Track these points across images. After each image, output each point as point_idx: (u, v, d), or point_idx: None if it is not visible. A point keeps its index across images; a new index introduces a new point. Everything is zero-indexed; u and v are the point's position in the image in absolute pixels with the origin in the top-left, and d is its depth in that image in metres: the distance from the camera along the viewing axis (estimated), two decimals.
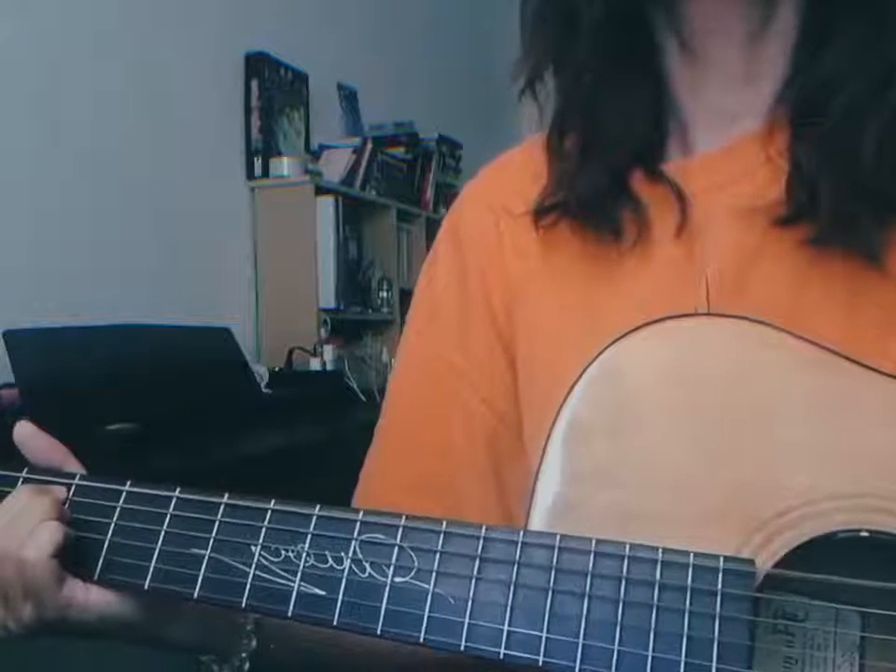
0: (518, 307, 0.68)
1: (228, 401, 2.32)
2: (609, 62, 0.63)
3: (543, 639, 0.48)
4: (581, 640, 0.47)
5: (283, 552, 0.54)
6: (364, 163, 3.40)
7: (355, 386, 3.08)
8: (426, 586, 0.50)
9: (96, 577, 0.58)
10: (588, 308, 0.63)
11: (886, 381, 0.49)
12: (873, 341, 0.55)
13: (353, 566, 0.52)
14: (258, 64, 3.11)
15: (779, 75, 0.61)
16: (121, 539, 0.58)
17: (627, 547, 0.48)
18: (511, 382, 0.68)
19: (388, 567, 0.51)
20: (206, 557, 0.55)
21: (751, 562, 0.47)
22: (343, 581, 0.52)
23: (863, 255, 0.55)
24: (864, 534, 0.47)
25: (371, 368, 3.28)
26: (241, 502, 0.56)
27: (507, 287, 0.68)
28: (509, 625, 0.48)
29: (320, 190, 3.13)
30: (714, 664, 0.45)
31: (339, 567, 0.52)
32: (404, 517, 0.52)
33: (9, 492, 0.60)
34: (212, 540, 0.56)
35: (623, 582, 0.47)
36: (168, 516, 0.57)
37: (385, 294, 3.50)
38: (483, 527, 0.51)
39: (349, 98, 3.66)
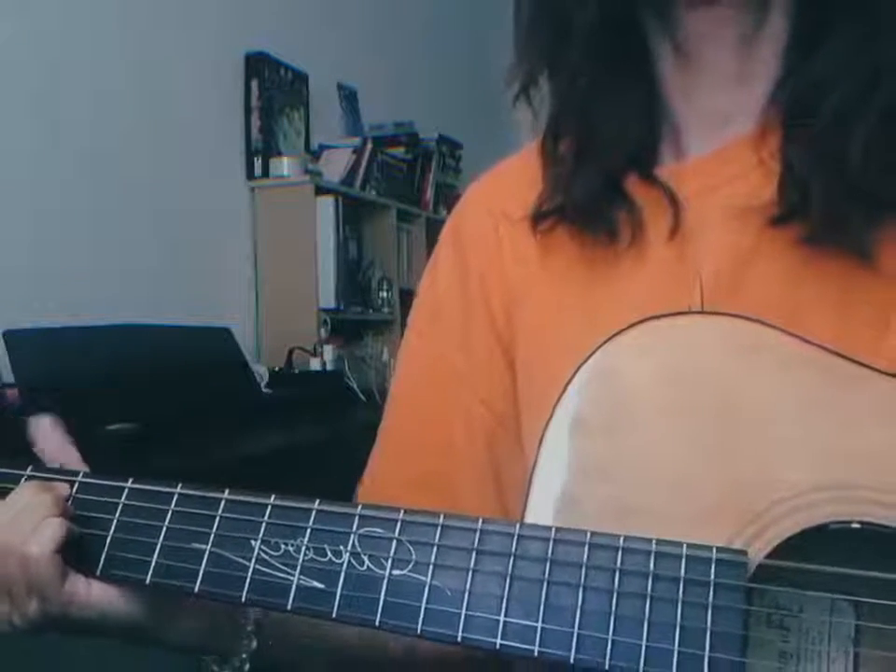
0: (517, 310, 0.69)
1: (228, 401, 2.32)
2: (602, 66, 0.64)
3: (539, 630, 0.48)
4: (575, 630, 0.48)
5: (282, 546, 0.54)
6: (364, 163, 3.40)
7: (355, 386, 3.08)
8: (423, 579, 0.51)
9: (98, 572, 0.59)
10: (585, 310, 0.64)
11: (879, 378, 0.50)
12: (866, 339, 0.55)
13: (351, 559, 0.53)
14: (258, 64, 3.11)
15: (771, 77, 0.61)
16: (123, 534, 0.59)
17: (621, 539, 0.49)
18: (510, 383, 0.68)
19: (386, 560, 0.52)
20: (207, 552, 0.56)
21: (743, 552, 0.47)
22: (342, 574, 0.53)
23: (855, 253, 0.56)
24: (856, 525, 0.47)
25: (371, 368, 3.28)
26: (241, 498, 0.57)
27: (506, 290, 0.69)
28: (505, 616, 0.49)
29: (320, 190, 3.13)
30: (707, 653, 0.46)
31: (338, 561, 0.53)
32: (402, 511, 0.53)
33: (13, 488, 0.61)
34: (212, 535, 0.56)
35: (617, 573, 0.48)
36: (170, 512, 0.58)
37: (385, 294, 3.50)
38: (480, 520, 0.51)
39: (349, 98, 3.66)
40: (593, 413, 0.53)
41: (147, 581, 0.57)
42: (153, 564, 0.57)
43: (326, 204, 3.12)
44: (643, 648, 0.46)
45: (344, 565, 0.53)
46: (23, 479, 0.62)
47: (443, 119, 4.01)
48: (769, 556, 0.48)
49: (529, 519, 0.53)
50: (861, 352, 0.51)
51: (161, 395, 2.09)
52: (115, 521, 0.59)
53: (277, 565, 0.54)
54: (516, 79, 0.66)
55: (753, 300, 0.58)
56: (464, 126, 4.12)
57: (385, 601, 0.51)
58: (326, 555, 0.53)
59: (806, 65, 0.59)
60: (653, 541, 0.48)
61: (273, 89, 3.15)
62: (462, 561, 0.51)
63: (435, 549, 0.51)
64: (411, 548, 0.52)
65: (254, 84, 3.11)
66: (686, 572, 0.47)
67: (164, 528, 0.58)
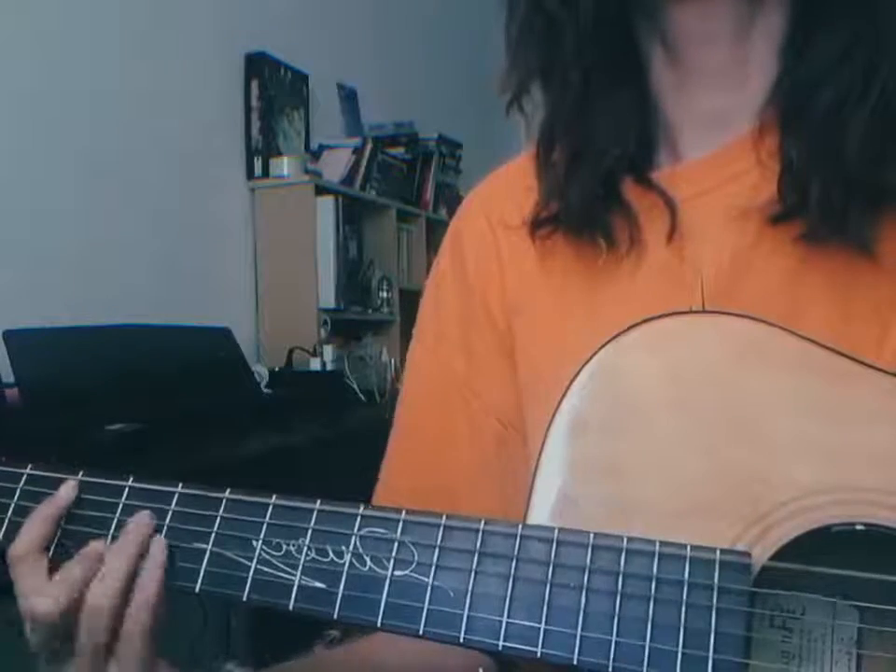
0: (517, 317, 0.69)
1: (228, 401, 2.32)
2: (594, 71, 0.63)
3: (542, 631, 0.48)
4: (579, 632, 0.48)
5: (284, 546, 0.54)
6: (364, 163, 3.40)
7: (355, 386, 3.08)
8: (425, 579, 0.51)
9: None
10: (587, 313, 0.64)
11: (882, 377, 0.50)
12: (868, 337, 0.55)
13: (353, 559, 0.53)
14: (258, 64, 3.11)
15: (767, 77, 0.61)
16: None
17: (625, 540, 0.48)
18: (515, 390, 0.68)
19: (389, 560, 0.52)
20: (208, 552, 0.56)
21: (747, 554, 0.47)
22: (344, 574, 0.52)
23: (856, 247, 0.56)
24: (860, 527, 0.47)
25: (371, 368, 3.27)
26: (243, 497, 0.57)
27: (506, 297, 0.70)
28: (507, 617, 0.49)
29: (320, 190, 3.13)
30: (710, 654, 0.46)
31: (340, 561, 0.53)
32: (404, 512, 0.53)
33: (13, 488, 0.61)
34: (214, 535, 0.56)
35: (621, 576, 0.48)
36: (170, 512, 0.58)
37: (385, 294, 3.50)
38: (482, 521, 0.51)
39: (349, 98, 3.66)
40: (595, 413, 0.53)
41: None
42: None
43: (326, 204, 3.12)
44: (647, 649, 0.46)
45: (346, 565, 0.53)
46: (23, 477, 0.62)
47: (443, 119, 4.01)
48: (772, 558, 0.48)
49: (531, 519, 0.53)
50: (863, 350, 0.51)
51: (161, 395, 2.09)
52: (115, 520, 0.59)
53: (279, 565, 0.54)
54: (508, 88, 0.66)
55: (754, 299, 0.58)
56: (464, 126, 4.12)
57: (386, 602, 0.51)
58: (328, 556, 0.53)
59: (802, 63, 0.59)
60: (657, 543, 0.48)
61: (273, 89, 3.15)
62: (464, 562, 0.51)
63: (437, 550, 0.51)
64: (413, 549, 0.52)
65: (254, 84, 3.11)
66: (690, 575, 0.47)
67: (165, 528, 0.58)
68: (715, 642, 0.46)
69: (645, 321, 0.53)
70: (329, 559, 0.53)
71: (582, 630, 0.48)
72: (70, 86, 2.45)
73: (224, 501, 0.57)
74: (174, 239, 2.78)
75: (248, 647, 1.99)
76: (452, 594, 0.50)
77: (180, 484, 0.59)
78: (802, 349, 0.51)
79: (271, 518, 0.55)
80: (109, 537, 0.59)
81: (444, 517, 0.52)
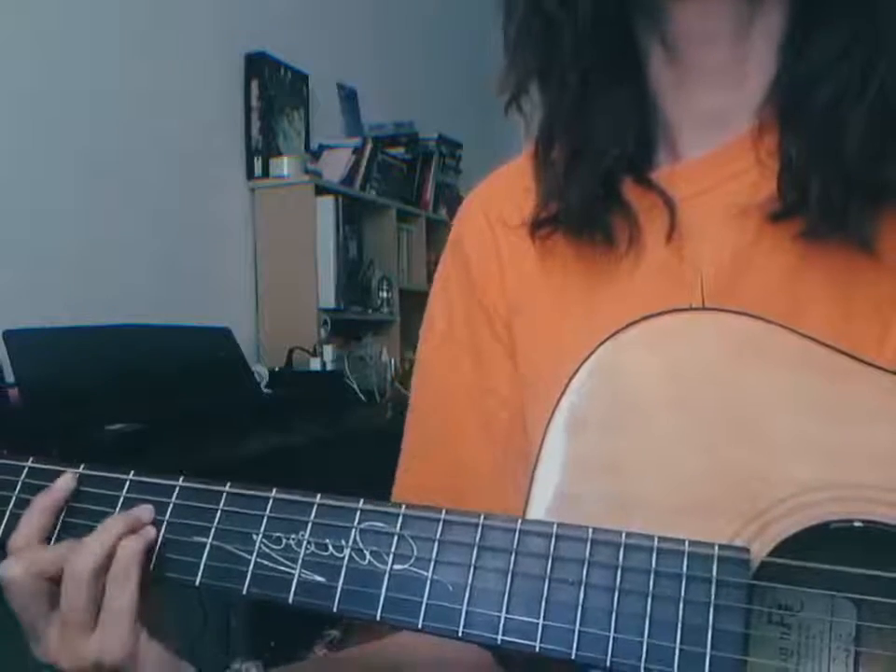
0: (517, 316, 0.69)
1: (228, 401, 2.32)
2: (593, 70, 0.63)
3: (540, 626, 0.48)
4: (577, 627, 0.48)
5: (284, 539, 0.54)
6: (364, 163, 3.40)
7: (355, 386, 3.08)
8: (425, 574, 0.51)
9: None
10: (587, 313, 0.64)
11: (882, 375, 0.50)
12: (868, 334, 0.55)
13: (353, 553, 0.53)
14: (258, 64, 3.11)
15: (766, 75, 0.61)
16: None
17: (623, 535, 0.49)
18: (520, 389, 0.69)
19: (388, 554, 0.52)
20: (208, 545, 0.56)
21: (746, 550, 0.47)
22: (344, 568, 0.53)
23: (856, 244, 0.56)
24: (858, 524, 0.47)
25: (371, 368, 3.28)
26: (243, 491, 0.57)
27: (506, 297, 0.70)
28: (506, 612, 0.49)
29: (320, 190, 3.13)
30: (708, 650, 0.46)
31: (339, 555, 0.53)
32: (403, 506, 0.53)
33: (15, 481, 0.61)
34: (214, 529, 0.56)
35: (619, 570, 0.48)
36: (171, 505, 0.58)
37: (385, 294, 3.50)
38: (482, 516, 0.51)
39: (349, 98, 3.66)
40: (594, 410, 0.53)
41: (150, 574, 0.57)
42: (154, 556, 0.57)
43: (326, 204, 3.12)
44: (645, 645, 0.46)
45: (346, 559, 0.53)
46: (24, 469, 0.62)
47: (443, 119, 4.01)
48: (770, 555, 0.48)
49: (530, 516, 0.53)
50: (863, 348, 0.51)
51: (161, 395, 2.09)
52: (116, 514, 0.59)
53: (279, 558, 0.54)
54: (507, 89, 0.66)
55: (754, 296, 0.58)
56: (464, 126, 4.12)
57: (386, 596, 0.51)
58: (327, 549, 0.53)
59: (801, 61, 0.59)
60: (655, 538, 0.48)
61: (273, 89, 3.15)
62: (464, 556, 0.51)
63: (437, 544, 0.51)
64: (412, 543, 0.52)
65: (254, 84, 3.11)
66: (688, 569, 0.47)
67: (165, 522, 0.58)
68: (713, 638, 0.46)
69: (644, 318, 0.53)
70: (328, 553, 0.53)
71: (581, 625, 0.48)
72: (70, 86, 2.45)
73: (224, 495, 0.57)
74: (174, 239, 2.78)
75: (248, 647, 1.99)
76: (451, 588, 0.50)
77: (181, 478, 0.59)
78: (802, 347, 0.51)
79: (271, 512, 0.55)
80: None
81: (444, 512, 0.52)
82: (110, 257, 2.55)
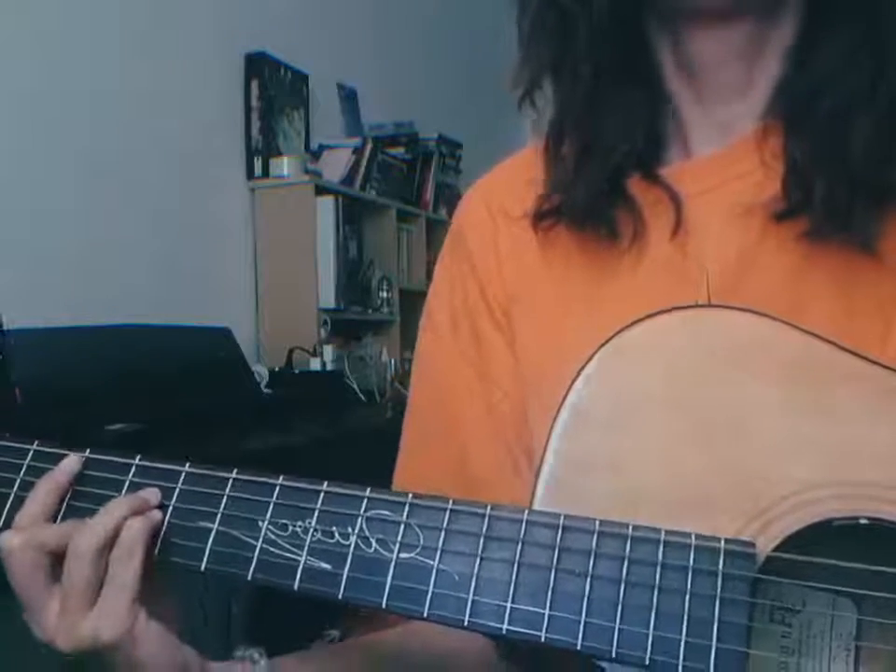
0: (516, 304, 0.69)
1: (228, 401, 2.32)
2: (606, 67, 0.64)
3: (546, 616, 0.48)
4: (583, 618, 0.48)
5: (290, 526, 0.54)
6: (364, 163, 3.40)
7: (355, 386, 3.08)
8: (431, 562, 0.51)
9: None
10: (588, 310, 0.64)
11: (885, 373, 0.50)
12: (871, 333, 0.56)
13: (359, 541, 0.53)
14: (258, 64, 3.11)
15: (773, 77, 0.62)
16: None
17: (630, 527, 0.49)
18: (521, 382, 0.68)
19: (394, 543, 0.52)
20: (214, 531, 0.56)
21: (752, 544, 0.47)
22: (350, 556, 0.53)
23: (859, 246, 0.56)
24: (864, 521, 0.47)
25: (371, 368, 3.28)
26: (250, 477, 0.57)
27: (505, 287, 0.70)
28: (512, 602, 0.49)
29: (320, 190, 3.13)
30: (714, 643, 0.46)
31: (345, 543, 0.53)
32: (410, 495, 0.53)
33: (20, 464, 0.61)
34: (220, 514, 0.56)
35: (626, 562, 0.48)
36: (177, 490, 0.58)
37: (385, 294, 3.50)
38: (489, 506, 0.51)
39: (349, 98, 3.66)
40: (599, 407, 0.53)
41: (155, 557, 0.57)
42: (160, 541, 0.57)
43: (326, 204, 3.13)
44: (650, 637, 0.47)
45: (352, 547, 0.53)
46: (30, 453, 0.62)
47: (443, 119, 4.01)
48: (774, 552, 0.48)
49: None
50: (866, 346, 0.51)
51: (162, 395, 2.09)
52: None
53: (285, 545, 0.54)
54: (520, 84, 0.66)
55: (758, 294, 0.58)
56: (464, 126, 4.12)
57: (391, 584, 0.51)
58: (333, 537, 0.53)
59: (807, 66, 0.59)
60: (662, 531, 0.48)
61: (273, 89, 3.15)
62: (470, 546, 0.51)
63: (443, 533, 0.51)
64: (419, 531, 0.52)
65: (254, 84, 3.11)
66: (694, 562, 0.47)
67: (172, 507, 0.58)
68: (719, 631, 0.46)
69: (648, 317, 0.53)
70: (334, 540, 0.53)
71: (587, 616, 0.48)
72: (70, 86, 2.45)
73: (231, 481, 0.57)
74: (174, 239, 2.78)
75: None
76: (457, 577, 0.50)
77: (187, 464, 0.59)
78: (805, 344, 0.51)
79: (277, 499, 0.55)
80: None
81: (451, 501, 0.52)
82: (110, 257, 2.54)
